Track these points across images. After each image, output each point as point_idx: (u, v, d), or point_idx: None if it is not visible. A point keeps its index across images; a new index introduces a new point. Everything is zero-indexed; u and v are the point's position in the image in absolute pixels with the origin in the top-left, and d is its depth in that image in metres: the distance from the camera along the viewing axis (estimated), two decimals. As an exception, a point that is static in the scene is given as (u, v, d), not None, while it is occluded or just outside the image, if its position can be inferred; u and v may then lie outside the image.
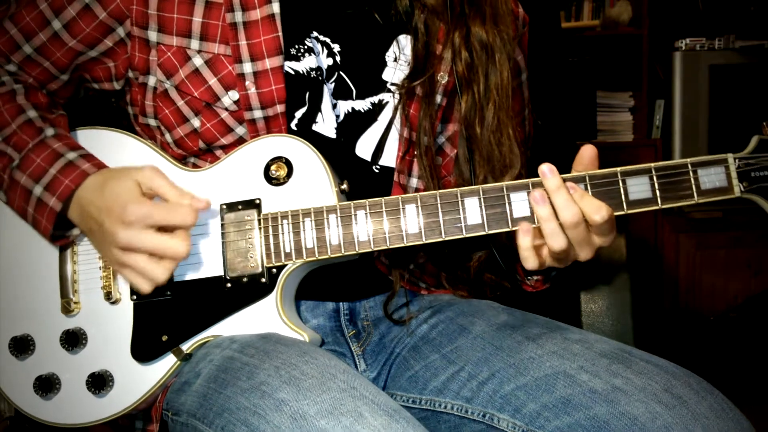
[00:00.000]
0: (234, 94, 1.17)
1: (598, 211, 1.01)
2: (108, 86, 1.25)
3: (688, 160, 1.04)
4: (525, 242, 1.03)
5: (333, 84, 1.21)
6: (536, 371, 1.07)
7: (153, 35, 1.17)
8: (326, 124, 1.21)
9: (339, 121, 1.22)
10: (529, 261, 1.05)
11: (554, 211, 1.02)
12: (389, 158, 1.24)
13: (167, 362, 1.13)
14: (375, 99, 1.23)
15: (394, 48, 1.23)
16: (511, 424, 1.06)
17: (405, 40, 1.23)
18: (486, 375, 1.12)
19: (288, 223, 1.11)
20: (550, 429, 1.02)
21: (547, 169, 1.02)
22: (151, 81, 1.20)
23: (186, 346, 1.13)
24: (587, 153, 1.05)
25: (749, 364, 2.90)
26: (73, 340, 1.15)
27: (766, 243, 3.23)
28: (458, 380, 1.14)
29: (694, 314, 3.22)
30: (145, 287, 1.08)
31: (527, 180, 1.06)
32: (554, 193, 1.02)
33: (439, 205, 1.08)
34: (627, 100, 3.44)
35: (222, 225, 1.14)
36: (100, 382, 1.13)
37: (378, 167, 1.24)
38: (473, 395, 1.12)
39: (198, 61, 1.17)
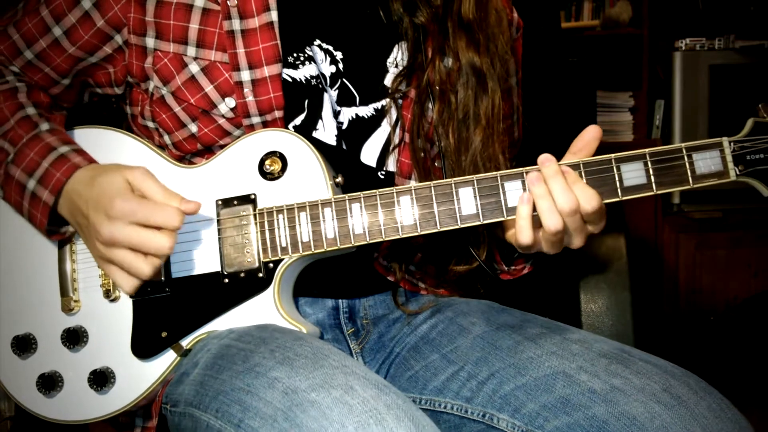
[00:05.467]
0: (231, 102, 1.17)
1: (590, 201, 1.01)
2: (110, 91, 1.26)
3: (683, 144, 1.03)
4: (524, 211, 1.03)
5: (336, 91, 1.22)
6: (535, 371, 1.07)
7: (150, 42, 1.17)
8: (326, 132, 1.21)
9: (343, 127, 1.22)
10: (525, 232, 1.03)
11: (550, 193, 1.02)
12: (394, 164, 1.24)
13: (167, 358, 1.14)
14: (378, 105, 1.23)
15: (395, 54, 1.24)
16: (511, 424, 1.07)
17: (404, 47, 1.24)
18: (485, 375, 1.12)
19: (283, 218, 1.12)
20: (549, 429, 1.02)
21: (544, 158, 1.03)
22: (150, 87, 1.20)
23: (185, 342, 1.13)
24: (589, 132, 1.04)
25: (749, 365, 2.90)
26: (74, 338, 1.15)
27: (766, 243, 3.23)
28: (458, 380, 1.15)
29: (694, 314, 3.22)
30: (129, 284, 1.08)
31: (522, 169, 1.05)
32: (551, 179, 1.02)
33: (433, 196, 1.08)
34: (627, 100, 3.43)
35: (218, 221, 1.14)
36: (101, 379, 1.14)
37: (383, 173, 1.24)
38: (473, 395, 1.12)
39: (194, 68, 1.17)
